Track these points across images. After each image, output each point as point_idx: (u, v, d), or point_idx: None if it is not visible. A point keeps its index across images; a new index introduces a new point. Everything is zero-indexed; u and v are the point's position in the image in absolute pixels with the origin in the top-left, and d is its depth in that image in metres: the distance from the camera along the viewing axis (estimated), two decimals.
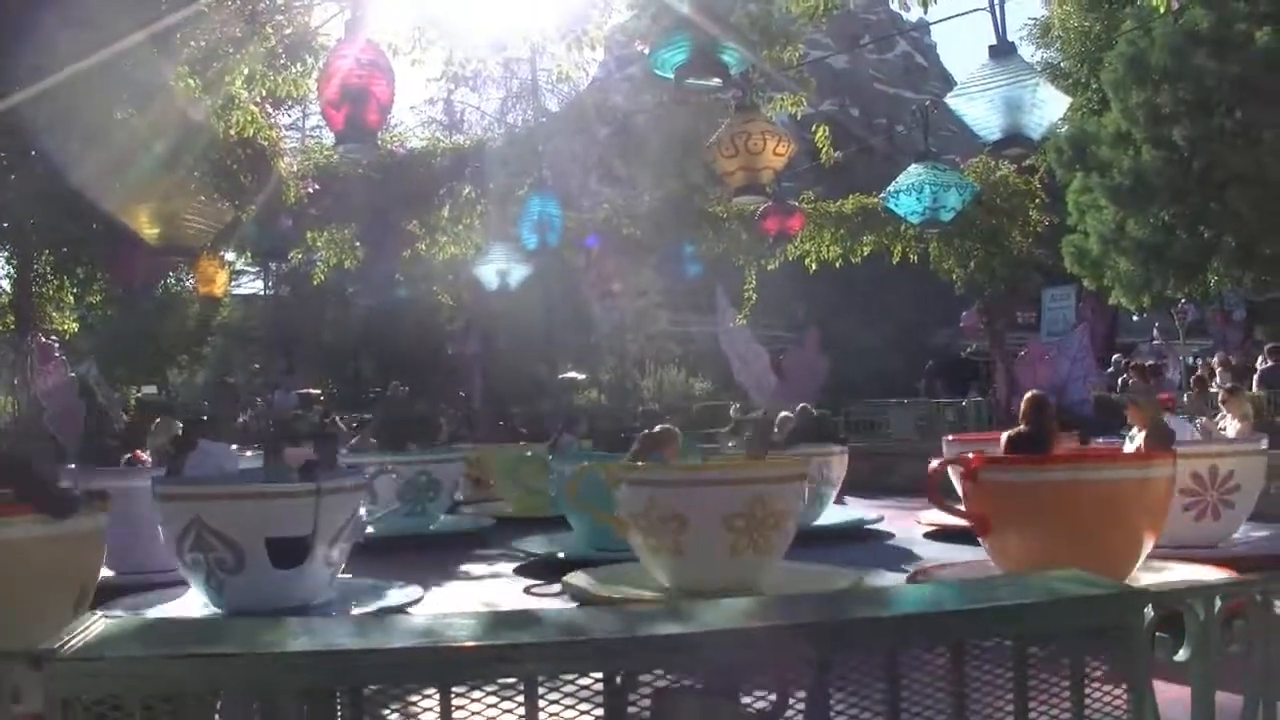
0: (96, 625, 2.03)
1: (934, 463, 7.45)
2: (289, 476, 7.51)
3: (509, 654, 1.95)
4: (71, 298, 13.88)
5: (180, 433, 8.88)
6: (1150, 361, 16.78)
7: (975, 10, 7.21)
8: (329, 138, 8.40)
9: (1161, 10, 7.58)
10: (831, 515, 10.83)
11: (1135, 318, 24.06)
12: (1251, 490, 8.40)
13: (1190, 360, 21.06)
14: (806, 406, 12.00)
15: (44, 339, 13.85)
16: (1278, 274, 17.97)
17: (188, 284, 21.78)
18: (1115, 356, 19.32)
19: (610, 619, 2.46)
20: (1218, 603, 2.40)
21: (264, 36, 7.97)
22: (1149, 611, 2.31)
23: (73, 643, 1.92)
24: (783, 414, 11.77)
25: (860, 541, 10.25)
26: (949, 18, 12.72)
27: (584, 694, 1.99)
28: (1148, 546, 6.66)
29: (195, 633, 2.25)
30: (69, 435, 12.88)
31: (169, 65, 7.49)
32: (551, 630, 2.14)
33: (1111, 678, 2.31)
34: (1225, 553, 7.85)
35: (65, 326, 15.08)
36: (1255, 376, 14.88)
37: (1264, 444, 8.67)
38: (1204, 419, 10.22)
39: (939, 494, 7.34)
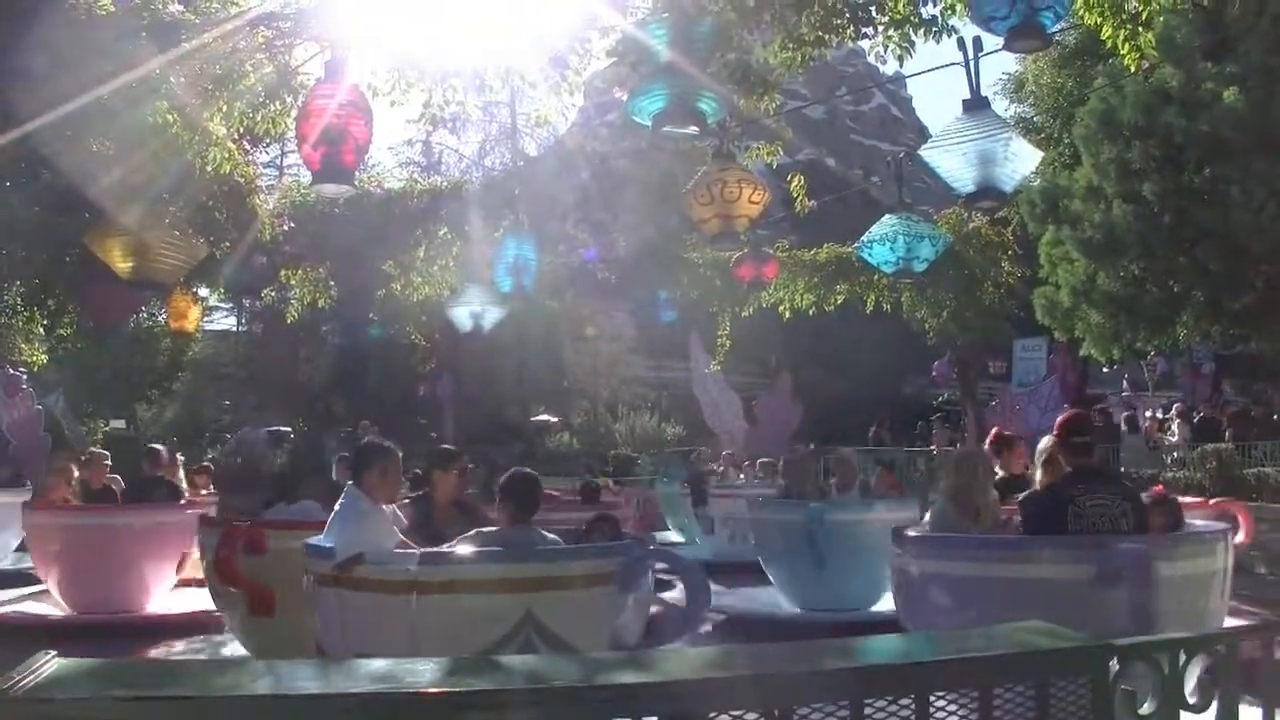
0: (48, 666, 1.98)
1: None
2: None
3: (470, 700, 1.92)
4: (42, 330, 13.75)
5: None
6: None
7: (950, 65, 7.28)
8: (306, 175, 8.39)
9: (1132, 69, 7.68)
10: None
11: (1105, 369, 24.30)
12: None
13: (1157, 412, 21.32)
14: None
15: (11, 371, 13.68)
16: (1245, 328, 18.18)
17: (160, 319, 21.63)
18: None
19: (573, 666, 2.43)
20: (1183, 657, 2.40)
21: (244, 75, 7.99)
22: (1114, 664, 2.31)
23: (23, 683, 1.87)
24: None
25: None
26: (924, 71, 12.83)
27: None
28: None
29: (150, 675, 2.21)
30: (33, 469, 12.71)
31: (150, 102, 7.49)
32: (513, 677, 2.11)
33: None
34: None
35: (34, 359, 14.93)
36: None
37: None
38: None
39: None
